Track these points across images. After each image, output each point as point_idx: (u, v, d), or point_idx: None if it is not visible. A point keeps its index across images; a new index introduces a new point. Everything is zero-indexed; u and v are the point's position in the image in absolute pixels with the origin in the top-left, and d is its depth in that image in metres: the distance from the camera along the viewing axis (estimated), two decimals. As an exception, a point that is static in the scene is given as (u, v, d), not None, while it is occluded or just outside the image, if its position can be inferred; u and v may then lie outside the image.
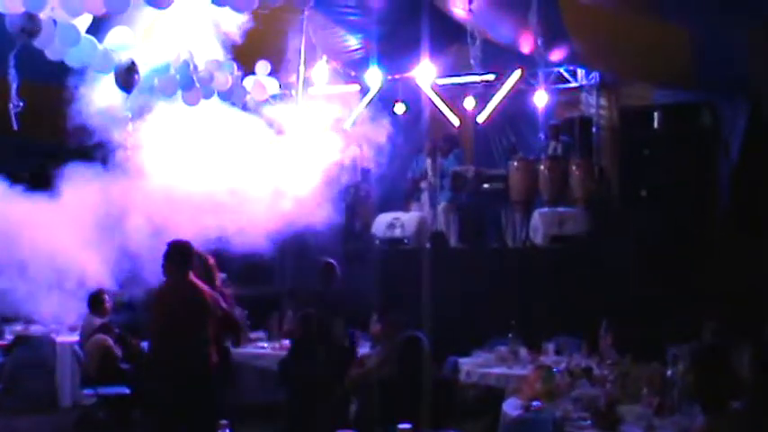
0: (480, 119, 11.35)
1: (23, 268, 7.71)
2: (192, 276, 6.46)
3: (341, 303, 7.93)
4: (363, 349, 8.01)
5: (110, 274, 8.13)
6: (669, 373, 5.80)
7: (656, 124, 9.62)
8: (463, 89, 11.42)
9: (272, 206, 8.39)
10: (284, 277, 11.08)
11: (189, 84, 8.48)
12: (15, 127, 6.83)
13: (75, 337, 8.97)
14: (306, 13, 9.19)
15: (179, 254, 6.42)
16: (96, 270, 8.10)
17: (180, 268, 6.39)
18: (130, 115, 8.10)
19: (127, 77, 7.81)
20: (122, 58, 7.68)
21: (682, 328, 6.90)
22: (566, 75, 11.57)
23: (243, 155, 8.62)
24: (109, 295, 8.57)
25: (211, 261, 7.19)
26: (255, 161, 8.64)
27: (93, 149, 8.02)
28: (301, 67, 9.88)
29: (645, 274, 8.82)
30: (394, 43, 10.85)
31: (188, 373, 6.26)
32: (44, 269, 7.79)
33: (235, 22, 8.06)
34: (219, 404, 6.22)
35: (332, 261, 8.59)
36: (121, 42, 7.69)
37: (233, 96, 8.91)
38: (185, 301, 6.35)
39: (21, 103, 6.81)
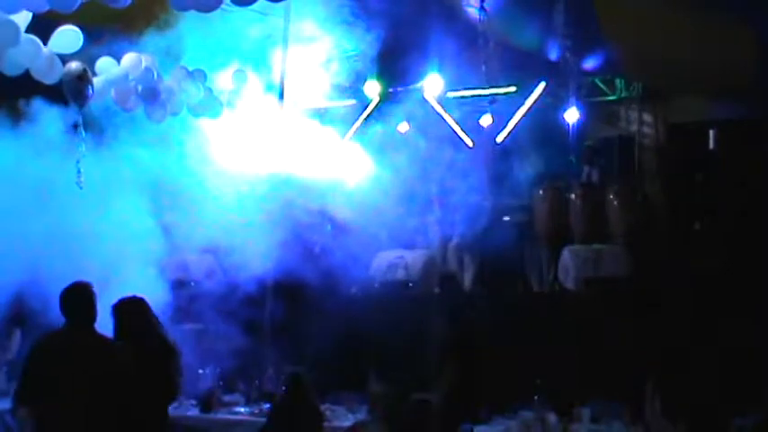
0: (499, 139, 11.31)
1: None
2: (93, 328, 5.93)
3: None
4: (360, 415, 8.04)
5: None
6: (734, 448, 5.87)
7: (711, 144, 9.66)
8: (479, 104, 11.33)
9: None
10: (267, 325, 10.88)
11: (152, 96, 8.35)
12: None
13: (5, 404, 8.68)
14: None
15: (78, 298, 5.92)
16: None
17: (80, 317, 5.88)
18: (84, 134, 7.99)
19: (78, 87, 7.66)
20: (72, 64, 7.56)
21: (747, 394, 6.90)
22: (602, 86, 11.52)
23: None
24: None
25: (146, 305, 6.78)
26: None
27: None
28: (285, 77, 9.80)
29: (701, 326, 8.64)
30: (396, 49, 10.79)
31: None
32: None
33: None
34: None
35: None
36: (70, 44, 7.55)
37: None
38: (80, 360, 5.78)
39: None
